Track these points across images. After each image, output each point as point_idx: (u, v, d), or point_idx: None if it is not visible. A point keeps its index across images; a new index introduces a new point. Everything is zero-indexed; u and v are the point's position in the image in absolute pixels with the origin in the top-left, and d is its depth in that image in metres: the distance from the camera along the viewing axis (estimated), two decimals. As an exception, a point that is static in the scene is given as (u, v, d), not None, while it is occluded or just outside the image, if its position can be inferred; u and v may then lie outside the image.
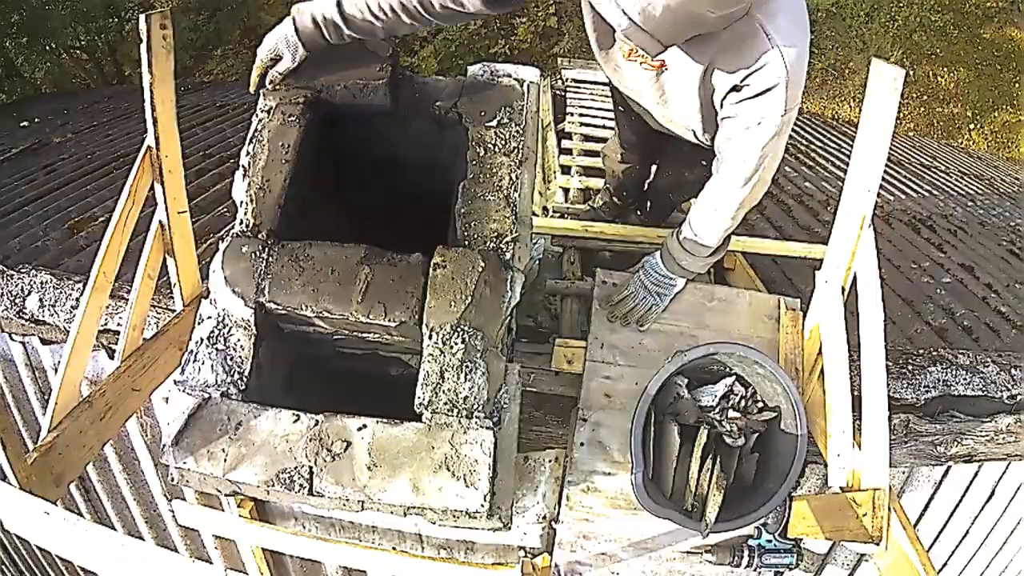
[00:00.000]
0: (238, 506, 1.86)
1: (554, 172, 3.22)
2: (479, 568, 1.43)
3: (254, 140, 1.42)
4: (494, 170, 1.40)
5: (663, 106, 1.62)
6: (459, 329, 1.24)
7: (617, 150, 2.22)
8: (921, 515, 1.92)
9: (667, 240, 1.75)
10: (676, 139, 1.86)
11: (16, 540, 2.68)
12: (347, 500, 1.18)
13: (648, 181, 2.34)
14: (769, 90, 1.36)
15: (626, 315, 1.78)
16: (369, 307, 1.26)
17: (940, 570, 2.02)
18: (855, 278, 1.43)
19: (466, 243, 1.33)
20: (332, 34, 1.41)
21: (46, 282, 1.99)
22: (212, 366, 1.27)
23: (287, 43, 1.43)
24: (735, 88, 1.41)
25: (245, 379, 1.26)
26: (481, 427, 1.21)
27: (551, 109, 3.91)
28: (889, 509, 1.27)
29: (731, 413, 1.60)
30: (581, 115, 3.71)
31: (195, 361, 1.27)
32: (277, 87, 1.46)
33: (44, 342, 2.01)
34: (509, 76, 1.50)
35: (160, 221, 1.50)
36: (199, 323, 1.31)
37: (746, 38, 1.34)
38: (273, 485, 1.18)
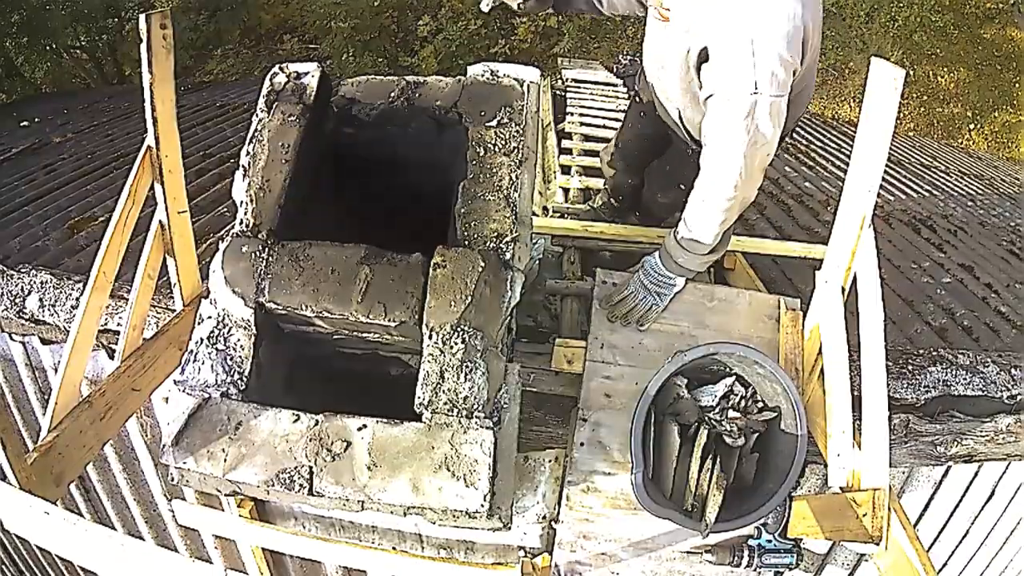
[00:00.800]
0: (238, 506, 1.86)
1: (554, 172, 3.22)
2: (479, 568, 1.43)
3: (254, 140, 1.42)
4: (494, 170, 1.40)
5: (661, 76, 1.66)
6: (459, 329, 1.24)
7: (609, 150, 2.25)
8: (921, 515, 1.92)
9: (666, 239, 1.75)
10: (664, 152, 1.87)
11: (16, 540, 2.68)
12: (347, 500, 1.18)
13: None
14: (733, 62, 1.37)
15: (626, 315, 1.78)
16: (369, 307, 1.26)
17: (940, 570, 2.02)
18: (855, 278, 1.43)
19: (466, 243, 1.33)
20: None
21: (46, 282, 1.99)
22: (212, 366, 1.27)
23: None
24: (705, 56, 1.43)
25: (245, 379, 1.26)
26: (481, 427, 1.21)
27: (551, 109, 3.91)
28: (889, 509, 1.27)
29: (731, 413, 1.59)
30: (581, 115, 3.71)
31: (195, 361, 1.27)
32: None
33: (44, 342, 2.01)
34: (509, 76, 1.50)
35: (160, 221, 1.50)
36: (199, 323, 1.31)
37: (718, 3, 1.36)
38: (273, 485, 1.19)
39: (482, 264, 1.28)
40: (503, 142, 1.42)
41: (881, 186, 1.35)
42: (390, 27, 8.16)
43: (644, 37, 1.76)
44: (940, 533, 1.96)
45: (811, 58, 1.51)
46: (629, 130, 2.13)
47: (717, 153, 1.49)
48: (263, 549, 1.97)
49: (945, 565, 2.03)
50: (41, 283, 1.99)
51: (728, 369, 1.66)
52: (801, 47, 1.41)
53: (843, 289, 1.48)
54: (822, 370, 1.53)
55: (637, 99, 2.02)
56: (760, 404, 1.63)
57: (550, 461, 1.72)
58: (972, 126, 7.82)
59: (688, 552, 1.70)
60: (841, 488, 1.40)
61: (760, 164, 1.50)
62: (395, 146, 1.61)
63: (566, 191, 2.99)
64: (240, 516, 1.85)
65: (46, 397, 2.06)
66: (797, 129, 4.62)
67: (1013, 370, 1.92)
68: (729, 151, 1.46)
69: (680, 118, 1.71)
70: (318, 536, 1.74)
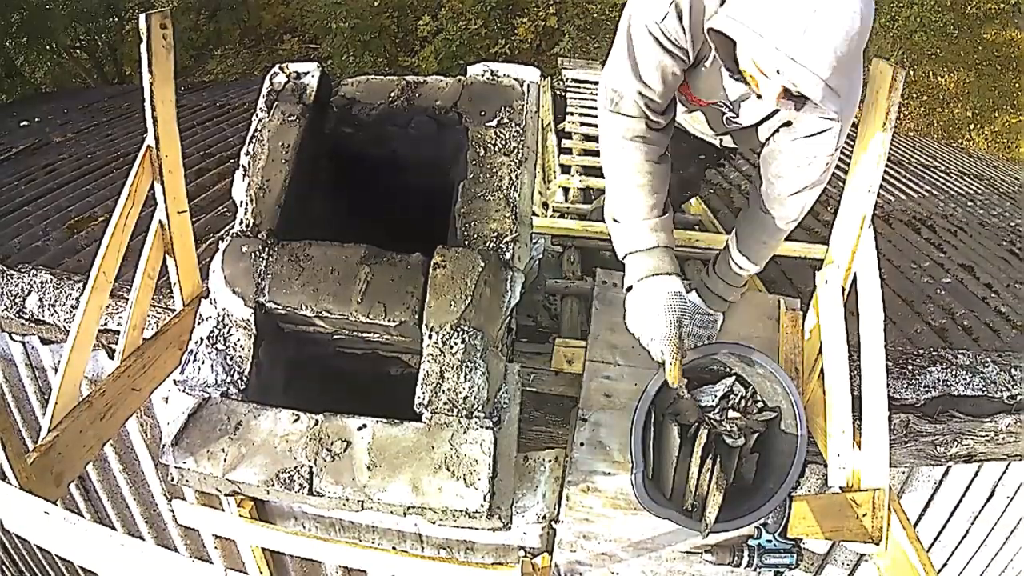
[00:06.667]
0: (238, 506, 1.86)
1: (554, 172, 3.22)
2: (479, 568, 1.42)
3: (254, 140, 1.42)
4: (494, 170, 1.40)
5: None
6: (459, 329, 1.24)
7: None
8: (921, 515, 1.92)
9: (705, 280, 1.73)
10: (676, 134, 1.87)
11: (16, 540, 2.68)
12: (347, 500, 1.18)
13: None
14: (822, 132, 1.36)
15: None
16: (369, 307, 1.26)
17: (940, 570, 2.02)
18: (855, 278, 1.43)
19: (466, 243, 1.33)
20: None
21: (46, 282, 1.99)
22: (212, 366, 1.27)
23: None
24: (787, 123, 1.41)
25: (245, 379, 1.26)
26: (481, 427, 1.21)
27: (551, 109, 3.91)
28: (889, 509, 1.27)
29: (731, 413, 1.59)
30: (581, 115, 3.72)
31: (195, 361, 1.27)
32: None
33: (44, 342, 2.01)
34: (509, 76, 1.50)
35: (160, 221, 1.50)
36: (199, 323, 1.31)
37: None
38: (273, 485, 1.19)
39: (482, 264, 1.28)
40: (503, 142, 1.42)
41: (881, 186, 1.35)
42: (390, 27, 8.18)
43: None
44: (940, 533, 1.96)
45: None
46: None
47: (789, 208, 1.51)
48: (263, 549, 1.97)
49: (945, 565, 2.03)
50: (41, 283, 1.99)
51: (728, 369, 1.66)
52: None
53: (843, 289, 1.48)
54: (822, 370, 1.53)
55: None
56: (760, 404, 1.63)
57: (550, 461, 1.72)
58: (973, 127, 7.82)
59: (688, 552, 1.70)
60: (841, 488, 1.40)
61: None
62: (395, 146, 1.61)
63: (566, 191, 2.99)
64: (240, 516, 1.85)
65: (46, 397, 2.05)
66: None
67: (1013, 370, 1.92)
68: (801, 207, 1.50)
69: (713, 138, 1.73)
70: (318, 536, 1.74)
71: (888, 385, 1.31)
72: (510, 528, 1.30)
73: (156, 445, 2.01)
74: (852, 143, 1.44)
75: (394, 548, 1.87)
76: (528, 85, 1.49)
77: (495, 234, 1.34)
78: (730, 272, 1.67)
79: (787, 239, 1.71)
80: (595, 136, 3.40)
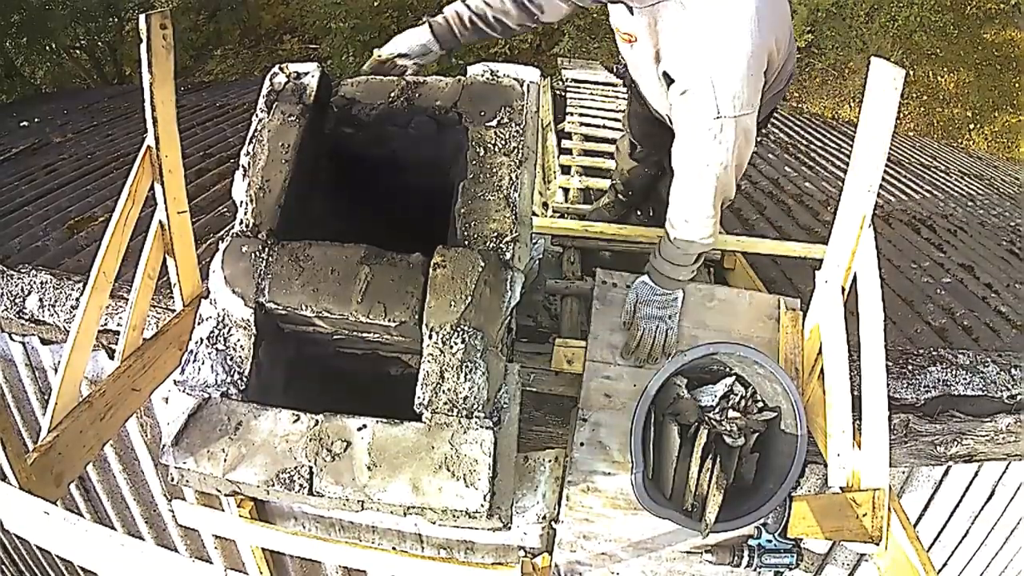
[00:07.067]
0: (238, 506, 1.86)
1: (554, 172, 3.22)
2: (479, 568, 1.43)
3: (254, 140, 1.42)
4: (494, 170, 1.40)
5: (640, 84, 1.67)
6: (459, 329, 1.24)
7: (626, 142, 2.25)
8: (921, 515, 1.92)
9: (652, 261, 1.71)
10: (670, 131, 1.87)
11: (16, 540, 2.68)
12: (347, 500, 1.18)
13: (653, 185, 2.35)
14: (693, 95, 1.33)
15: (650, 353, 1.72)
16: (369, 307, 1.26)
17: (940, 570, 2.02)
18: (855, 278, 1.43)
19: (466, 243, 1.33)
20: (460, 29, 1.60)
21: (46, 282, 1.99)
22: (212, 366, 1.27)
23: (418, 46, 1.62)
24: (667, 76, 1.41)
25: (245, 379, 1.26)
26: (481, 427, 1.21)
27: (551, 109, 3.91)
28: (889, 509, 1.27)
29: (731, 413, 1.59)
30: (581, 115, 3.71)
31: (195, 361, 1.27)
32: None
33: (44, 342, 2.01)
34: (509, 76, 1.50)
35: (160, 221, 1.50)
36: (199, 323, 1.31)
37: (677, 25, 1.32)
38: (273, 485, 1.19)
39: (482, 264, 1.28)
40: (503, 142, 1.42)
41: (881, 186, 1.35)
42: (390, 27, 8.17)
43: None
44: (940, 533, 1.96)
45: (783, 55, 1.48)
46: (633, 117, 2.12)
47: (691, 178, 1.47)
48: (263, 549, 1.97)
49: (945, 565, 2.03)
50: (41, 283, 1.99)
51: (728, 369, 1.66)
52: (766, 62, 1.37)
53: (843, 289, 1.48)
54: (822, 370, 1.53)
55: (633, 85, 2.00)
56: (760, 404, 1.63)
57: (550, 461, 1.72)
58: (972, 127, 7.83)
59: (688, 552, 1.70)
60: (841, 488, 1.40)
61: (736, 172, 1.48)
62: (395, 146, 1.61)
63: (566, 191, 2.99)
64: (240, 516, 1.85)
65: (46, 397, 2.06)
66: (797, 129, 4.63)
67: (1013, 370, 1.92)
68: (702, 175, 1.44)
69: (668, 118, 1.71)
70: (318, 536, 1.74)
71: (888, 385, 1.31)
72: (510, 528, 1.30)
73: (156, 445, 2.02)
74: (851, 142, 1.44)
75: (394, 548, 1.87)
76: (528, 85, 1.49)
77: (495, 234, 1.34)
78: (669, 247, 1.63)
79: (787, 239, 1.71)
80: (595, 136, 3.42)
